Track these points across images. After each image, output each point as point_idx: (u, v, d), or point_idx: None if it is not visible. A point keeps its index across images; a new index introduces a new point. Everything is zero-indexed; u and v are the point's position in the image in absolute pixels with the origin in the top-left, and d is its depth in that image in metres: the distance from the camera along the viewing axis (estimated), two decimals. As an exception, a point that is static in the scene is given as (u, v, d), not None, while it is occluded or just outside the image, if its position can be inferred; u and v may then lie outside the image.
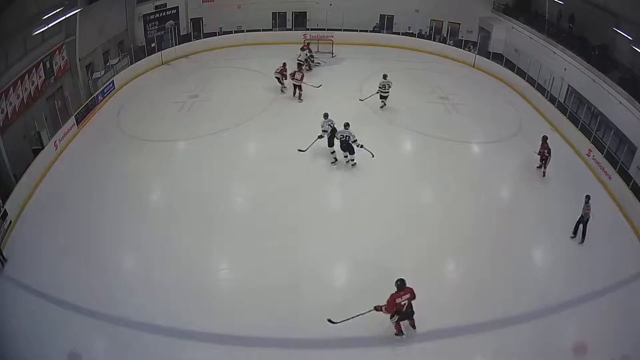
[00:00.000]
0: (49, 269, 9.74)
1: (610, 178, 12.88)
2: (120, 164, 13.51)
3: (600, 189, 13.04)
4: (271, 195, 12.18)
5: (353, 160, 13.32)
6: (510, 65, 20.25)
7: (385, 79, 16.70)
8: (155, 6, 22.17)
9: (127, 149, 14.43)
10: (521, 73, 19.27)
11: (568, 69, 17.28)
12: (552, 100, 17.12)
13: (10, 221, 10.89)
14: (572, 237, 10.94)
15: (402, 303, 7.57)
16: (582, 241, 10.78)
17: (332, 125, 13.45)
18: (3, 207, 10.75)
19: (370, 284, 9.50)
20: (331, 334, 8.39)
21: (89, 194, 12.23)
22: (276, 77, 17.95)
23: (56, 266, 9.81)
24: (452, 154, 14.41)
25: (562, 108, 16.63)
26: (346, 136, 12.83)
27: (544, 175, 13.28)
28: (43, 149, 13.47)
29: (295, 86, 17.46)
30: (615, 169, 12.81)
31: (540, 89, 17.80)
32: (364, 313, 7.97)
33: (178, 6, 23.17)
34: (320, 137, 13.47)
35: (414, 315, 8.10)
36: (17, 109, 13.28)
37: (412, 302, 7.87)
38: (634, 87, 14.04)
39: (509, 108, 17.80)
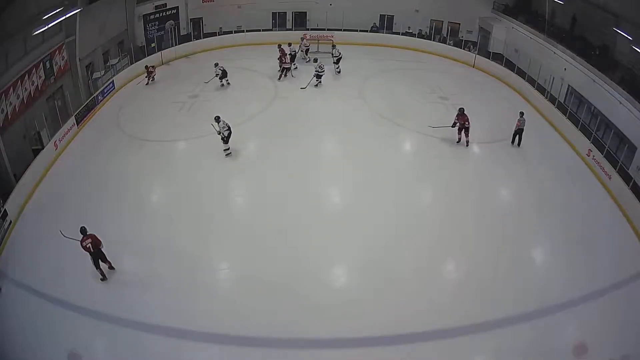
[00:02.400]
0: (49, 269, 9.75)
1: (610, 178, 12.88)
2: (120, 164, 13.53)
3: (600, 189, 13.04)
4: (271, 195, 12.19)
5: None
6: (510, 65, 20.25)
7: (316, 62, 18.65)
8: (155, 6, 22.18)
9: (127, 148, 14.44)
10: (521, 73, 19.27)
11: (568, 69, 17.27)
12: (552, 100, 17.11)
13: (10, 221, 10.90)
14: (511, 144, 14.79)
15: (87, 246, 9.24)
16: (519, 144, 14.77)
17: (222, 69, 18.01)
18: (3, 207, 10.76)
19: (370, 283, 9.55)
20: (331, 334, 8.42)
21: (89, 194, 12.22)
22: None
23: (56, 266, 9.81)
24: (452, 154, 14.41)
25: (562, 108, 16.63)
26: None
27: (467, 145, 14.64)
28: (43, 149, 13.48)
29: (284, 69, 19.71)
30: (615, 169, 12.80)
31: (540, 89, 17.80)
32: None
33: (178, 6, 23.19)
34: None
35: (107, 260, 9.61)
36: (17, 109, 13.28)
37: (101, 247, 9.40)
38: (634, 87, 14.04)
39: (509, 108, 17.77)
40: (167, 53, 21.67)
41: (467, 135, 14.51)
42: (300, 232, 10.91)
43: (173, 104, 17.31)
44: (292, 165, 13.53)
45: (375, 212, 11.66)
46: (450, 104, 17.72)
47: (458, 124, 14.36)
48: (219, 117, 13.73)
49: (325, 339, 8.43)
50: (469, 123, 14.32)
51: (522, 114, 14.68)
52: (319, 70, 18.52)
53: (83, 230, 9.43)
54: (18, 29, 13.21)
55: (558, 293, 9.39)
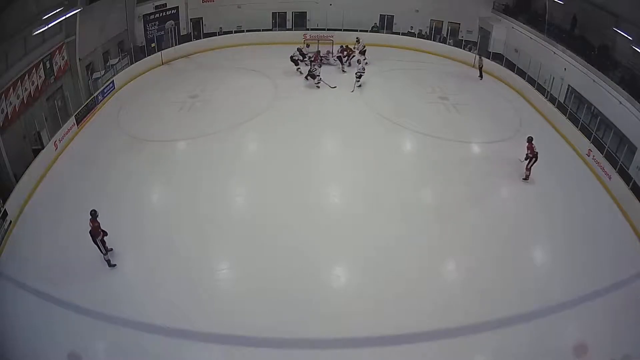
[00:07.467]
0: (49, 269, 9.74)
1: (610, 178, 12.88)
2: (120, 164, 13.52)
3: (600, 189, 13.04)
4: (271, 195, 12.19)
5: None
6: (510, 65, 20.24)
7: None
8: (155, 6, 22.15)
9: (127, 149, 14.42)
10: (521, 73, 19.26)
11: (568, 69, 17.26)
12: (552, 100, 17.10)
13: (10, 221, 10.90)
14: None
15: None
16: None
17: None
18: (3, 207, 10.76)
19: (370, 283, 9.56)
20: (331, 334, 8.42)
21: (89, 194, 12.21)
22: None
23: (56, 266, 9.81)
24: (452, 154, 14.40)
25: (562, 108, 16.62)
26: None
27: (527, 179, 12.89)
28: (43, 149, 13.47)
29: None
30: (615, 169, 12.80)
31: (540, 89, 17.79)
32: None
33: (178, 6, 23.15)
34: None
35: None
36: (17, 109, 13.28)
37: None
38: (634, 87, 14.03)
39: (509, 108, 17.80)
40: (167, 53, 21.65)
41: (529, 168, 12.85)
42: (300, 232, 10.90)
43: (173, 104, 17.31)
44: (292, 165, 13.52)
45: (376, 212, 11.65)
46: (450, 103, 17.73)
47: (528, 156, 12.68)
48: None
49: (325, 339, 8.43)
50: (534, 155, 12.59)
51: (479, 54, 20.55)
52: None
53: (92, 213, 9.72)
54: (18, 29, 13.20)
55: (558, 293, 9.39)
